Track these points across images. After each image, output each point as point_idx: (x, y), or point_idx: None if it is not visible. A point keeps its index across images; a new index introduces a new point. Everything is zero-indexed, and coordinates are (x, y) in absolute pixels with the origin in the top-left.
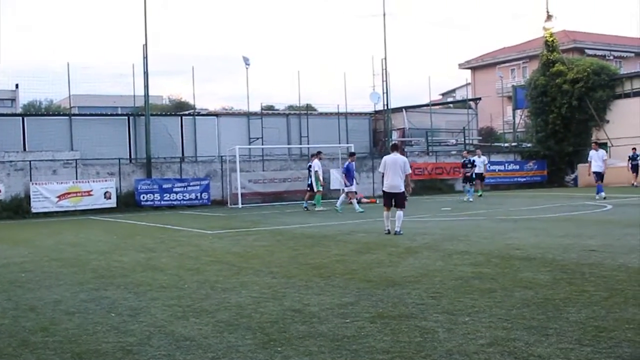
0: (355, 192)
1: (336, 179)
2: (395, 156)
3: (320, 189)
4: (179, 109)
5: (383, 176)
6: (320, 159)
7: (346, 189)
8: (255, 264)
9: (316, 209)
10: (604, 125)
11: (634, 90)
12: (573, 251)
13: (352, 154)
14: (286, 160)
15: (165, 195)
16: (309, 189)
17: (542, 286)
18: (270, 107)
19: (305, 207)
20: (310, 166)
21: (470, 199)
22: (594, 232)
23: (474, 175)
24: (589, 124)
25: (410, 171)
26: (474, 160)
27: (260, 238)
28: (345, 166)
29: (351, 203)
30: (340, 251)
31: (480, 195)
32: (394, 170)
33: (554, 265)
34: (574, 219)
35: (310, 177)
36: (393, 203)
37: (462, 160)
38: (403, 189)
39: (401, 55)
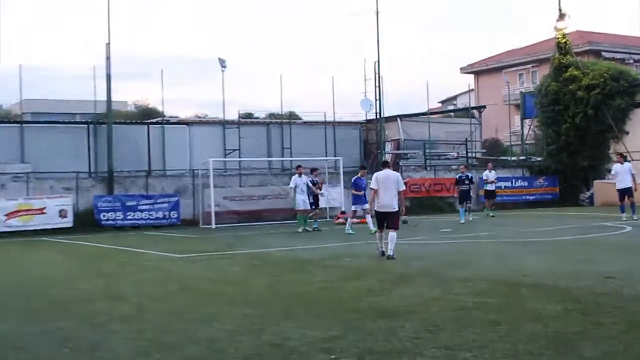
0: (355, 212)
1: (323, 198)
2: (387, 172)
3: (298, 207)
4: (146, 116)
5: (374, 194)
6: (299, 174)
7: (353, 207)
8: (229, 291)
9: (299, 230)
10: (623, 137)
11: None
12: (588, 278)
13: (363, 167)
14: (266, 175)
15: (128, 213)
16: (313, 207)
17: (553, 318)
18: (249, 115)
19: (316, 228)
20: (314, 182)
21: (462, 221)
22: (612, 257)
23: (471, 193)
24: (606, 135)
25: (404, 188)
26: (471, 176)
27: (235, 263)
28: (353, 181)
29: (345, 222)
30: (326, 277)
31: (492, 216)
32: (386, 187)
33: (566, 294)
34: (589, 242)
35: (310, 194)
36: (386, 224)
37: (458, 176)
38: (397, 208)
39: (396, 59)
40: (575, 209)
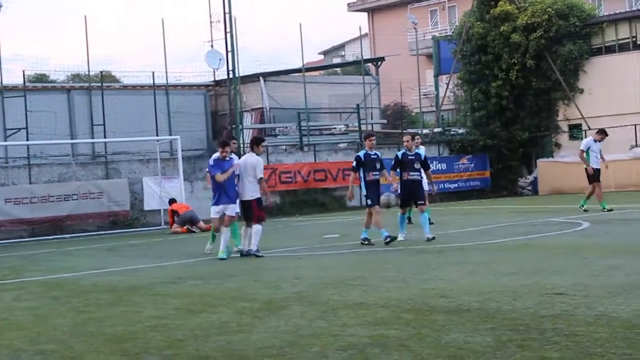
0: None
1: (152, 194)
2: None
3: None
4: None
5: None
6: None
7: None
8: (14, 339)
9: (236, 248)
10: (575, 97)
11: (621, 42)
12: (529, 296)
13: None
14: (69, 165)
15: None
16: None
17: (480, 354)
18: (42, 77)
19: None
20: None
21: (400, 237)
22: (562, 265)
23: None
24: (552, 95)
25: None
26: (424, 156)
27: (24, 295)
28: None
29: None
30: (159, 311)
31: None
32: None
33: (498, 320)
34: (532, 246)
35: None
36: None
37: (400, 153)
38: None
39: None
40: (512, 199)
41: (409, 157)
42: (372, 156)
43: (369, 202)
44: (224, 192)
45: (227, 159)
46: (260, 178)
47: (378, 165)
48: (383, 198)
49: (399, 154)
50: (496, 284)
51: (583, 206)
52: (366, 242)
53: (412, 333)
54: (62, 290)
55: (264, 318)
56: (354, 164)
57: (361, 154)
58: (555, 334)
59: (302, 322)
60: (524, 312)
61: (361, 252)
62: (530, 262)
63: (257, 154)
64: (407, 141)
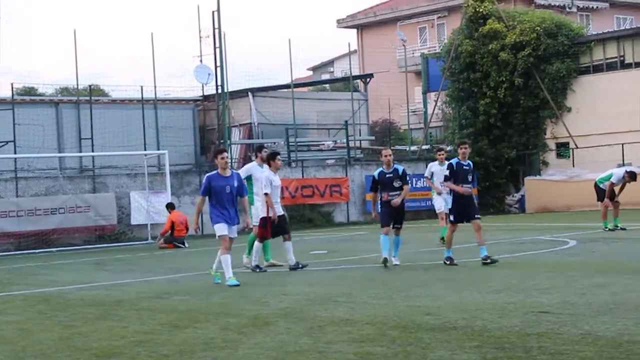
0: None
1: (140, 208)
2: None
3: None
4: None
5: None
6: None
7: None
8: None
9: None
10: (563, 116)
11: (608, 61)
12: (515, 314)
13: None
14: (56, 179)
15: None
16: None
17: None
18: (30, 91)
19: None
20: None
21: (393, 261)
22: (548, 283)
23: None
24: (540, 113)
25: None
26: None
27: (9, 309)
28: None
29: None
30: (145, 326)
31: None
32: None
33: (484, 338)
34: (518, 264)
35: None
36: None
37: (377, 173)
38: None
39: (246, 8)
40: (499, 217)
41: (387, 175)
42: (464, 167)
43: (452, 218)
44: (223, 208)
45: (228, 174)
46: (265, 193)
47: (470, 178)
48: None
49: (376, 173)
50: (482, 301)
51: (617, 226)
52: (448, 262)
53: (398, 350)
54: (48, 304)
55: (250, 334)
56: (447, 172)
57: (454, 162)
58: (540, 352)
59: (288, 339)
60: (509, 330)
61: (348, 269)
62: (517, 280)
63: (275, 169)
64: (387, 156)
